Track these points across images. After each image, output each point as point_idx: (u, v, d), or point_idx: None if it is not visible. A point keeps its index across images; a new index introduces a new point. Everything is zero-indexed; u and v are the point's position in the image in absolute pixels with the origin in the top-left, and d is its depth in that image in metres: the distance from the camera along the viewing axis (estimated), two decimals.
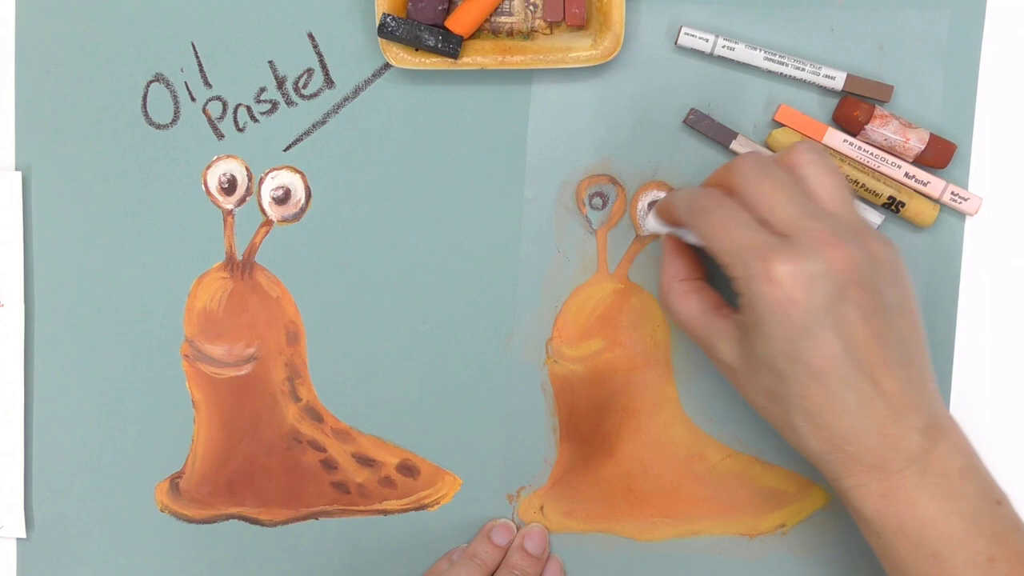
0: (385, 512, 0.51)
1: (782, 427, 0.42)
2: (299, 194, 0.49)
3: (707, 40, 0.47)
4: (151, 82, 0.49)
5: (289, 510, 0.51)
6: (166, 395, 0.50)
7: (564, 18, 0.47)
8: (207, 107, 0.49)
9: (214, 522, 0.51)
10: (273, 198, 0.50)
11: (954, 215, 0.49)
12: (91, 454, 0.51)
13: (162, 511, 0.51)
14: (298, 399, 0.51)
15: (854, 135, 0.47)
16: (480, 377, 0.50)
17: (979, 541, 0.40)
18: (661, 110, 0.48)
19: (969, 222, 0.49)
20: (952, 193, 0.48)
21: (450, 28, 0.46)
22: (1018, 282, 0.49)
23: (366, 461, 0.51)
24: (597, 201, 0.49)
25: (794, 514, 0.50)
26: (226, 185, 0.49)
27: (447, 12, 0.46)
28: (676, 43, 0.48)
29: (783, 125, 0.48)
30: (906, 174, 0.47)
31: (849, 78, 0.47)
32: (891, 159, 0.47)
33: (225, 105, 0.49)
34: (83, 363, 0.50)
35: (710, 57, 0.48)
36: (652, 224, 0.47)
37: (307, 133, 0.49)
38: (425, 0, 0.46)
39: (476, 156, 0.49)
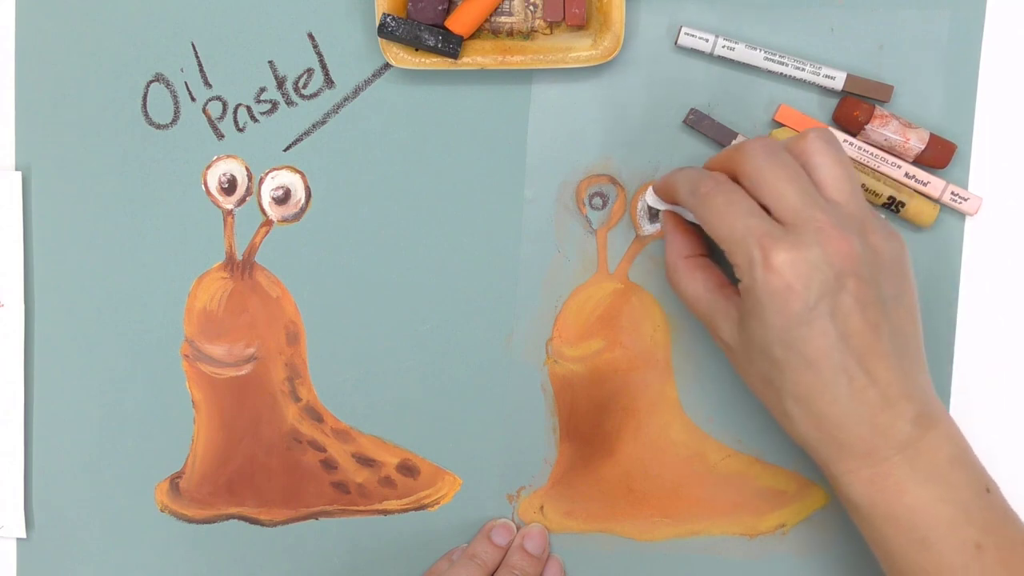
0: (385, 512, 0.51)
1: (775, 411, 0.42)
2: (299, 194, 0.49)
3: (707, 40, 0.47)
4: (151, 82, 0.49)
5: (289, 510, 0.51)
6: (166, 395, 0.50)
7: (564, 18, 0.47)
8: (207, 107, 0.49)
9: (214, 522, 0.51)
10: (273, 198, 0.49)
11: (954, 215, 0.49)
12: (91, 454, 0.51)
13: (162, 511, 0.51)
14: (298, 399, 0.51)
15: (854, 135, 0.47)
16: (480, 377, 0.50)
17: (967, 528, 0.40)
18: (661, 110, 0.48)
19: (969, 222, 0.49)
20: (952, 193, 0.48)
21: (450, 28, 0.46)
22: (1018, 282, 0.49)
23: (366, 461, 0.51)
24: (597, 201, 0.49)
25: (794, 514, 0.50)
26: (226, 185, 0.49)
27: (447, 12, 0.46)
28: (676, 43, 0.48)
29: (783, 125, 0.48)
30: (906, 174, 0.47)
31: (849, 78, 0.47)
32: (891, 159, 0.47)
33: (225, 105, 0.49)
34: (83, 363, 0.50)
35: (710, 57, 0.48)
36: (651, 199, 0.47)
37: (307, 133, 0.49)
38: (425, 0, 0.46)
39: (476, 156, 0.49)
